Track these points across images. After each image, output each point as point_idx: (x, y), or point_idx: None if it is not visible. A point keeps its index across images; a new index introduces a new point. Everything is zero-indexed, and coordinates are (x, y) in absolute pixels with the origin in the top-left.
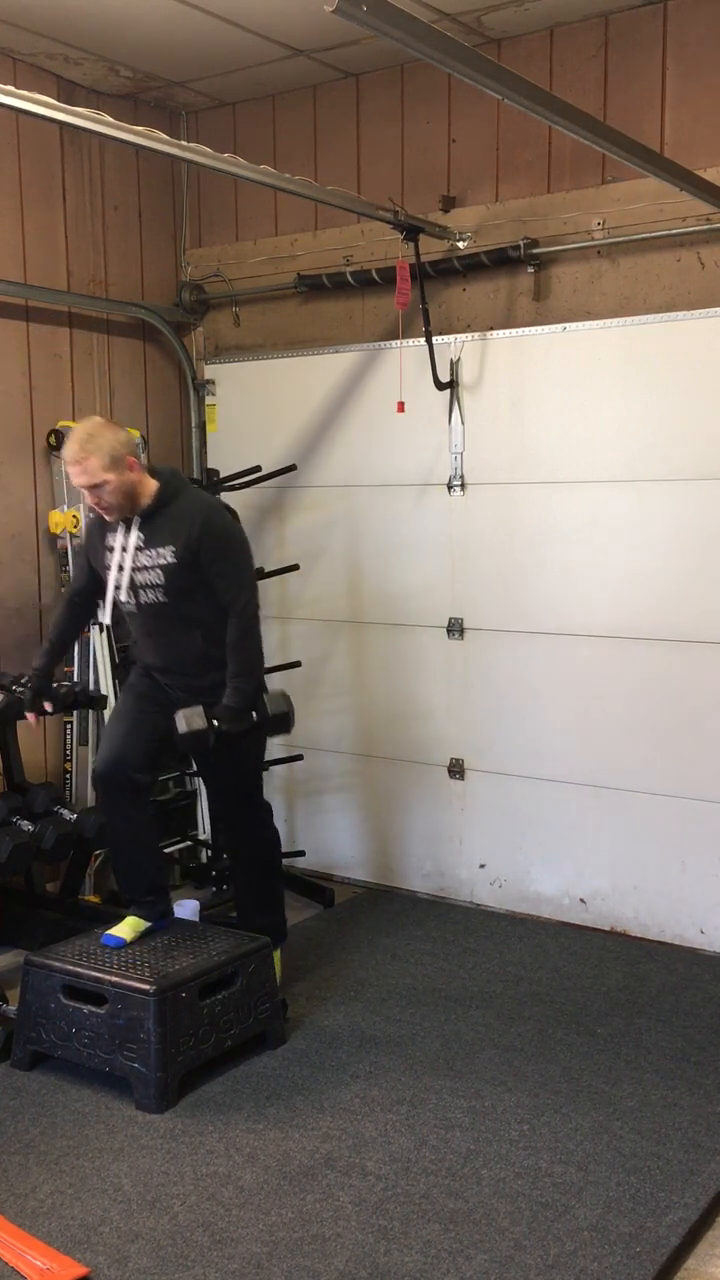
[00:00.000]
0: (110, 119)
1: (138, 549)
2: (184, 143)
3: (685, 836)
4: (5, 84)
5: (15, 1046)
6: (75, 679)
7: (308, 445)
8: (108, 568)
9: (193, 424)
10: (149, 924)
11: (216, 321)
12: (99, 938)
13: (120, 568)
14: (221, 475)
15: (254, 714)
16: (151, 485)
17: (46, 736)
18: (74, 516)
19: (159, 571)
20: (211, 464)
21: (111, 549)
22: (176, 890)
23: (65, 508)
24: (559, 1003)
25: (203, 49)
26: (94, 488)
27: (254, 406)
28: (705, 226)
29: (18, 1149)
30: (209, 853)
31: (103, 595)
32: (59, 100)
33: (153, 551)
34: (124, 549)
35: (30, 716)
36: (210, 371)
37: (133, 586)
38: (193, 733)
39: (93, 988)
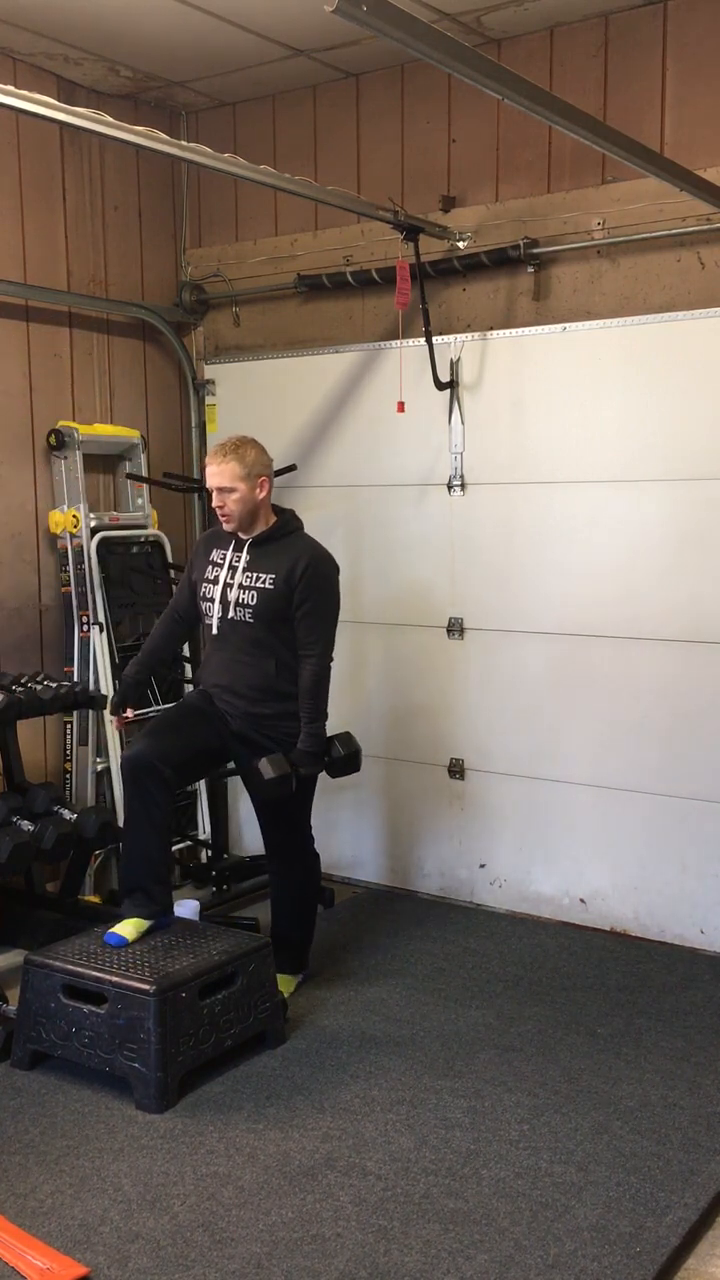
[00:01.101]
0: (110, 119)
1: (243, 569)
2: (184, 143)
3: (685, 836)
4: (5, 84)
5: (15, 1046)
6: (75, 679)
7: (308, 445)
8: (210, 580)
9: (193, 424)
10: (150, 923)
11: (216, 321)
12: (101, 937)
13: (224, 584)
14: None
15: (326, 758)
16: (272, 517)
17: (47, 736)
18: (74, 516)
19: (254, 593)
20: None
21: (216, 564)
22: (177, 890)
23: (65, 508)
24: (559, 1003)
25: (203, 49)
26: (223, 490)
27: (254, 406)
28: (705, 226)
29: (18, 1149)
30: (209, 853)
31: (199, 610)
32: (59, 100)
33: (254, 574)
34: (232, 566)
35: (115, 720)
36: (210, 371)
37: (225, 601)
38: (279, 778)
39: (93, 987)
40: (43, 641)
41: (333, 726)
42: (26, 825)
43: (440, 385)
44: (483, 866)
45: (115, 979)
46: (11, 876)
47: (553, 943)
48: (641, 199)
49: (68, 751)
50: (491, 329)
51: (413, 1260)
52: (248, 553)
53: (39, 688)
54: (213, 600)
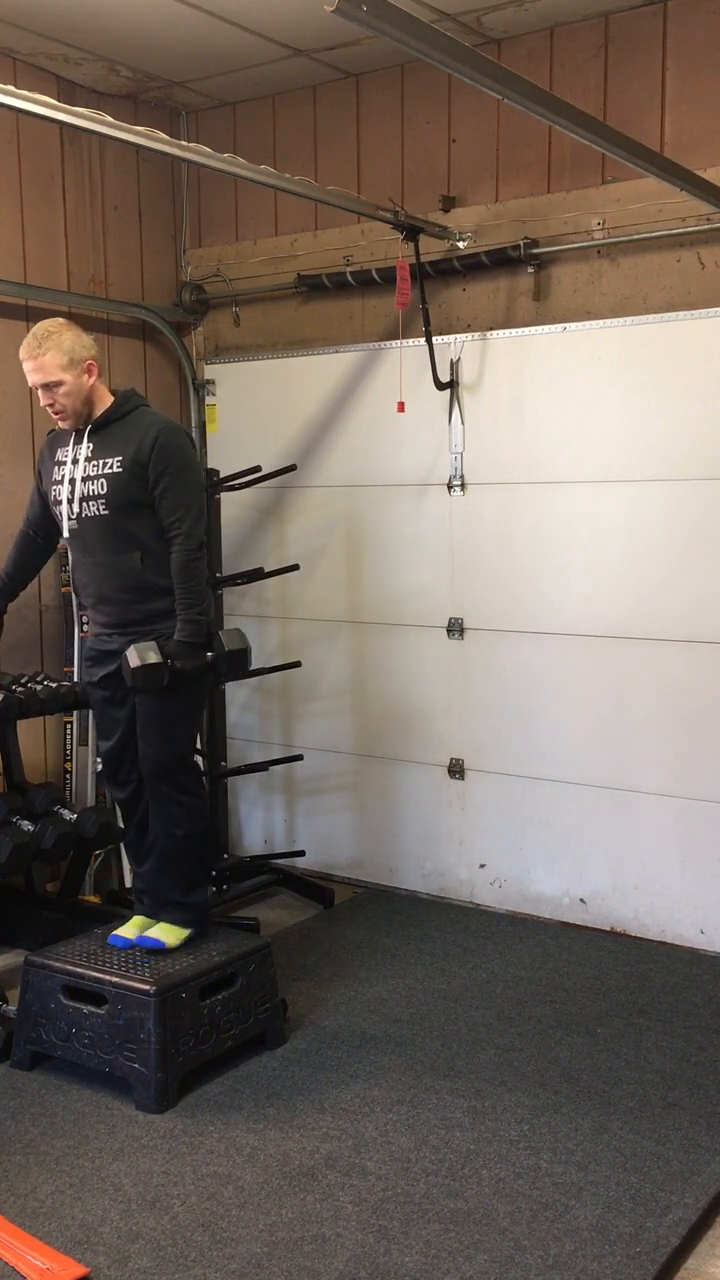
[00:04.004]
0: (110, 119)
1: (86, 459)
2: (184, 143)
3: (685, 836)
4: (5, 84)
5: (15, 1046)
6: (75, 679)
7: (308, 445)
8: (57, 482)
9: (193, 424)
10: (157, 924)
11: (216, 321)
12: (105, 938)
13: (70, 480)
14: (221, 475)
15: (208, 653)
16: (108, 398)
17: (47, 736)
18: None
19: (103, 481)
20: (211, 464)
21: (60, 463)
22: None
23: None
24: (559, 1003)
25: (203, 49)
26: (48, 387)
27: (254, 406)
28: (705, 226)
29: (18, 1149)
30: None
31: (56, 521)
32: (59, 100)
33: (100, 462)
34: (74, 460)
35: None
36: (210, 371)
37: (75, 498)
38: (146, 667)
39: (93, 988)
40: (43, 641)
41: (331, 722)
42: (26, 825)
43: (440, 385)
44: (483, 866)
45: (115, 979)
46: (11, 876)
47: (552, 943)
48: (641, 199)
49: (68, 751)
50: (491, 329)
51: (413, 1260)
52: (89, 440)
53: (39, 688)
54: (63, 501)
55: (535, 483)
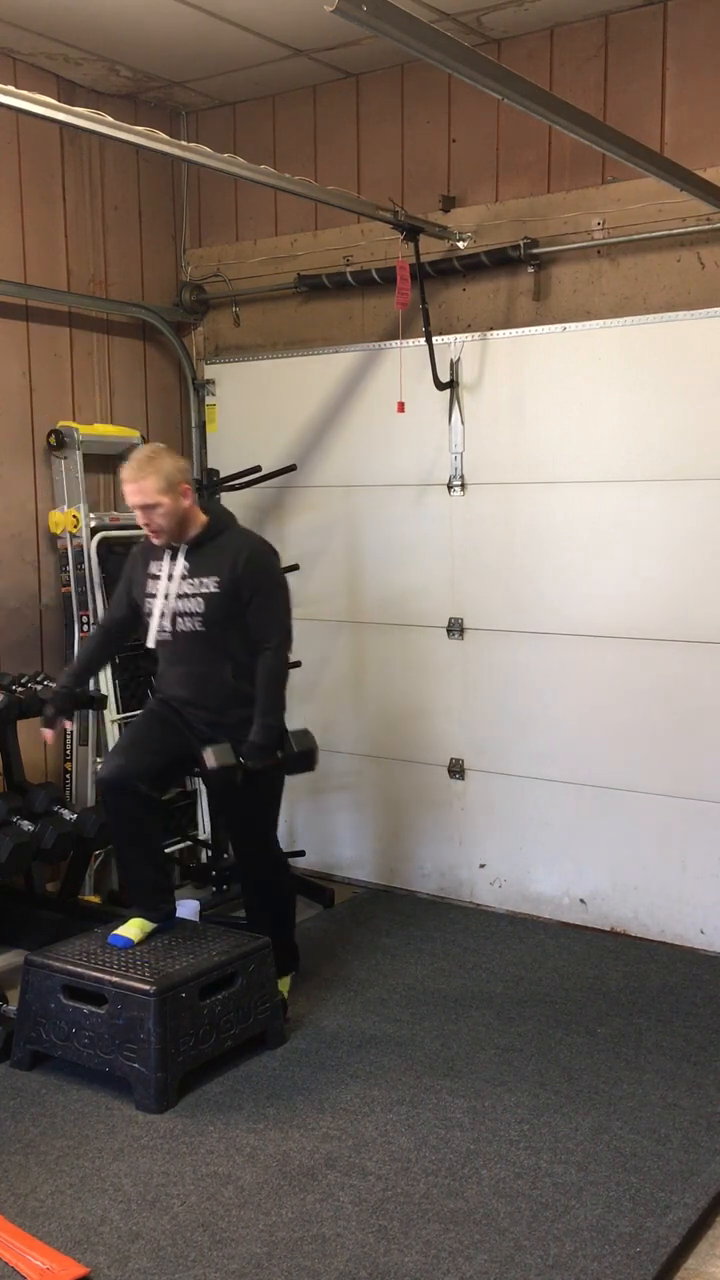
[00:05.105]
0: (110, 119)
1: (183, 577)
2: (184, 143)
3: (685, 836)
4: (5, 84)
5: (15, 1046)
6: None
7: (308, 445)
8: (151, 595)
9: (193, 424)
10: (155, 925)
11: (216, 321)
12: (105, 938)
13: (165, 595)
14: (221, 475)
15: (279, 752)
16: (201, 517)
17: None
18: (74, 516)
19: (200, 600)
20: (211, 464)
21: (155, 576)
22: (177, 890)
23: (65, 508)
24: (559, 1003)
25: (203, 49)
26: (147, 508)
27: (254, 406)
28: (705, 226)
29: (18, 1149)
30: (209, 853)
31: (140, 624)
32: (59, 100)
33: (196, 580)
34: (170, 577)
35: (47, 732)
36: (210, 371)
37: (171, 614)
38: (221, 768)
39: (93, 988)
40: (43, 641)
41: (331, 722)
42: (26, 825)
43: (440, 385)
44: (482, 866)
45: (115, 979)
46: (11, 876)
47: (552, 943)
48: (641, 199)
49: (68, 751)
50: (491, 329)
51: (413, 1260)
52: (185, 559)
53: (39, 688)
54: (158, 614)
55: (535, 483)
